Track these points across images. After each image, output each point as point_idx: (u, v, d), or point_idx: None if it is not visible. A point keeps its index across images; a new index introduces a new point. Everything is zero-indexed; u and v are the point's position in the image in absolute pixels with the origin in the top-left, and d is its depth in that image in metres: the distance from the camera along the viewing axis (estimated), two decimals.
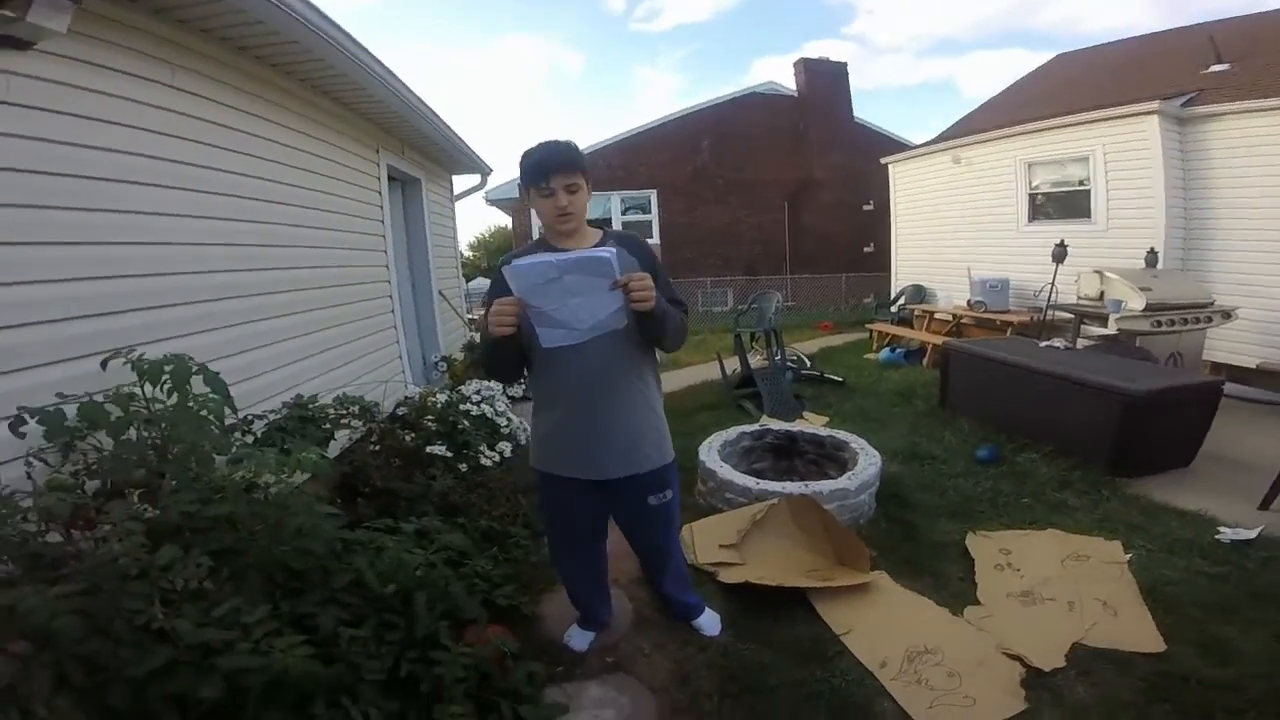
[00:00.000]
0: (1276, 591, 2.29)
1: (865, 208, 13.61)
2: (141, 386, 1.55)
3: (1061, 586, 2.43)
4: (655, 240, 12.77)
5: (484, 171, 6.89)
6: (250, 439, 2.22)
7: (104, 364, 1.61)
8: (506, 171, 16.04)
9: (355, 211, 4.13)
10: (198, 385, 1.72)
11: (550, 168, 1.64)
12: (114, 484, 1.57)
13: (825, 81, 13.65)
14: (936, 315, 8.06)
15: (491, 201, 13.35)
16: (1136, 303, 4.84)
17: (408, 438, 3.13)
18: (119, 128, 2.19)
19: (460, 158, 6.15)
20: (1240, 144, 5.66)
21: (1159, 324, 4.80)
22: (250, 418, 2.30)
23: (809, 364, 6.69)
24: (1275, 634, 2.05)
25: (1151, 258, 5.60)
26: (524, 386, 5.90)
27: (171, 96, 2.46)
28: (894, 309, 9.26)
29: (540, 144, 1.69)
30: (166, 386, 1.58)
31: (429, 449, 3.11)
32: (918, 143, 10.32)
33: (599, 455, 1.82)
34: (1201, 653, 2.00)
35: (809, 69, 13.59)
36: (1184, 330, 4.92)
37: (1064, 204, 7.19)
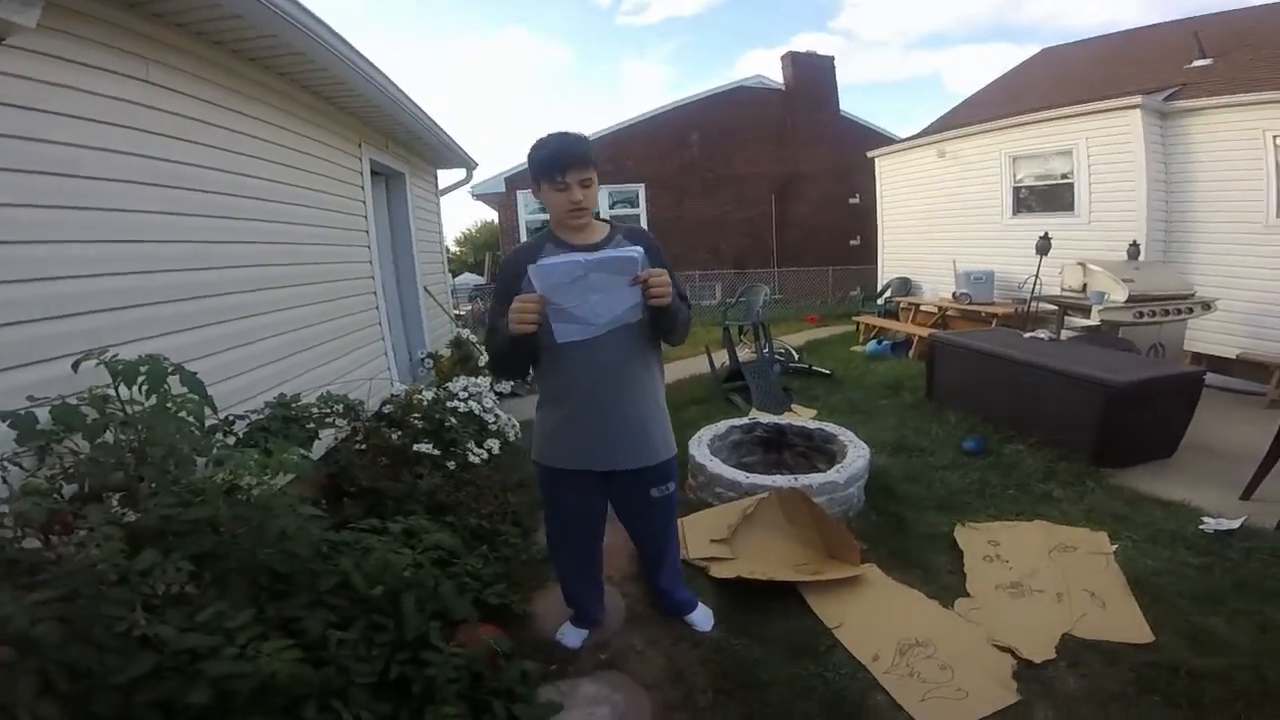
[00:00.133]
0: (1260, 581, 2.32)
1: (852, 201, 13.67)
2: (116, 388, 1.51)
3: (1049, 578, 2.45)
4: None
5: (469, 166, 6.82)
6: (231, 440, 2.17)
7: (75, 365, 1.57)
8: (492, 166, 15.94)
9: (337, 207, 4.06)
10: (177, 386, 1.68)
11: (566, 162, 1.64)
12: (91, 488, 1.53)
13: (812, 75, 13.67)
14: (922, 307, 8.11)
15: (478, 196, 13.25)
16: (1119, 294, 4.89)
17: (394, 436, 3.09)
18: (92, 124, 2.13)
19: (445, 152, 6.08)
20: (1220, 138, 5.73)
21: (1141, 315, 4.86)
22: (231, 418, 2.25)
23: (797, 357, 6.71)
24: (1260, 625, 2.07)
25: (1134, 250, 5.66)
26: (513, 383, 5.87)
27: (147, 92, 2.40)
28: (880, 301, 9.30)
29: (553, 136, 1.68)
30: (144, 388, 1.53)
31: (416, 447, 3.07)
32: (904, 136, 10.35)
33: (610, 448, 1.83)
34: (1189, 643, 2.02)
35: (796, 62, 13.59)
36: (1165, 321, 4.98)
37: (1048, 197, 7.25)
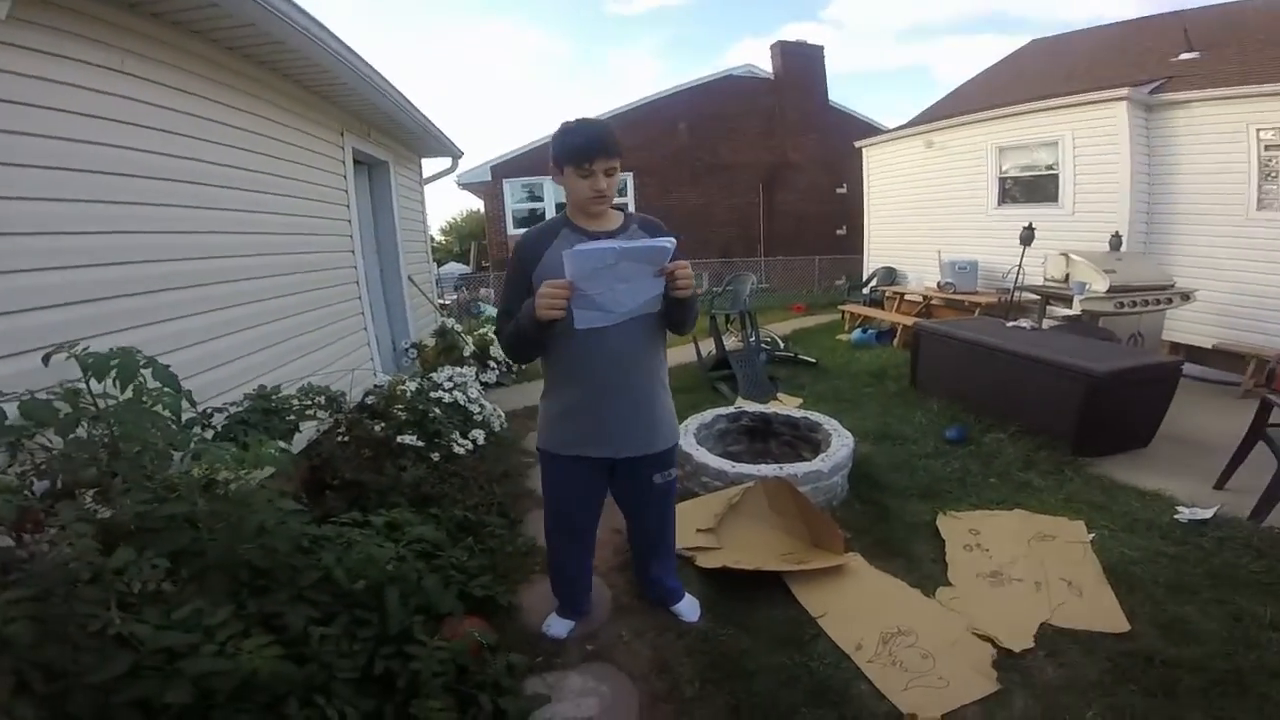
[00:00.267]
0: (1233, 571, 2.37)
1: (839, 191, 13.69)
2: (87, 382, 1.48)
3: (1028, 566, 2.48)
4: None
5: (455, 154, 6.73)
6: (210, 433, 2.14)
7: (46, 359, 1.53)
8: (479, 155, 15.77)
9: (319, 196, 4.00)
10: (152, 381, 1.64)
11: (595, 150, 1.65)
12: (64, 484, 1.50)
13: (802, 64, 13.61)
14: (907, 296, 8.16)
15: (463, 185, 13.10)
16: (1100, 284, 4.94)
17: (377, 428, 3.06)
18: (65, 115, 2.09)
19: (430, 140, 5.99)
20: (1203, 131, 5.79)
21: (1121, 305, 4.92)
22: (210, 411, 2.22)
23: (783, 345, 6.74)
24: (1233, 614, 2.11)
25: (1115, 241, 5.73)
26: (498, 372, 5.85)
27: (122, 83, 2.35)
28: (866, 291, 9.35)
29: (583, 123, 1.69)
30: (117, 382, 1.50)
31: (399, 439, 3.04)
32: (891, 127, 10.36)
33: (620, 435, 1.85)
34: (1163, 632, 2.06)
35: (786, 52, 13.53)
36: (1145, 311, 5.05)
37: (1032, 188, 7.30)
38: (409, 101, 4.78)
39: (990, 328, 4.79)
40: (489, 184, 12.90)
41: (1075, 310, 5.02)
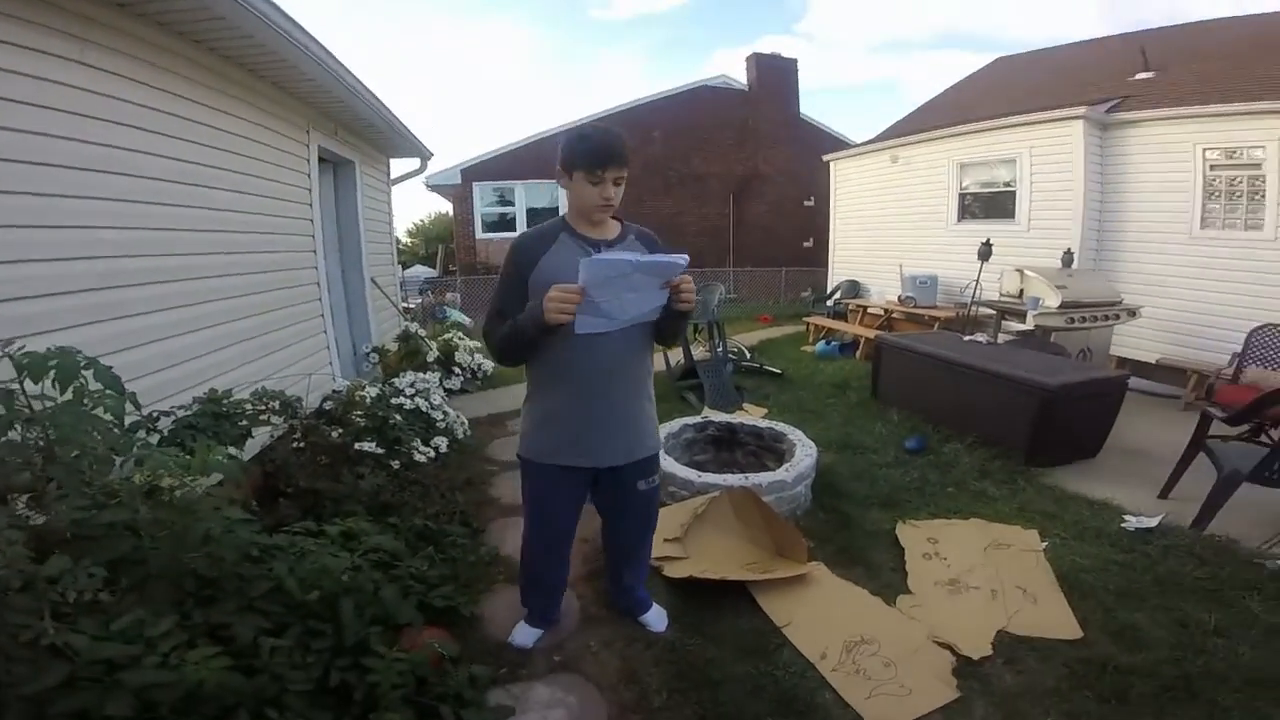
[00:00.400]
0: (1178, 578, 2.46)
1: (806, 203, 13.93)
2: (21, 383, 1.39)
3: (984, 574, 2.54)
4: None
5: (424, 155, 6.63)
6: (155, 438, 2.04)
7: None
8: (449, 157, 15.59)
9: (280, 194, 3.88)
10: (95, 382, 1.56)
11: (610, 159, 1.65)
12: None
13: (775, 77, 13.84)
14: (869, 309, 8.32)
15: (432, 187, 12.92)
16: (1053, 300, 5.12)
17: (334, 434, 2.97)
18: (18, 105, 2.00)
19: (398, 140, 5.89)
20: (1152, 150, 6.04)
21: (1072, 321, 5.10)
22: (156, 414, 2.12)
23: (749, 356, 6.80)
24: (1180, 620, 2.19)
25: (1067, 258, 5.95)
26: (462, 378, 5.76)
27: (80, 74, 2.26)
28: (830, 303, 9.51)
29: (599, 130, 1.68)
30: (55, 383, 1.42)
31: (358, 446, 2.96)
32: (859, 141, 10.59)
33: (607, 443, 1.84)
34: (1115, 639, 2.12)
35: (760, 64, 13.74)
36: (1094, 327, 5.25)
37: (990, 204, 7.54)
38: (378, 99, 4.69)
39: (948, 341, 4.91)
40: (458, 187, 12.77)
41: (1029, 325, 5.20)
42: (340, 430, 3.04)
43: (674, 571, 2.46)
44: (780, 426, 3.70)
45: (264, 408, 2.56)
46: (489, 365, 6.05)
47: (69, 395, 1.45)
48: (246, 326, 3.37)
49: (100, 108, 2.37)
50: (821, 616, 2.26)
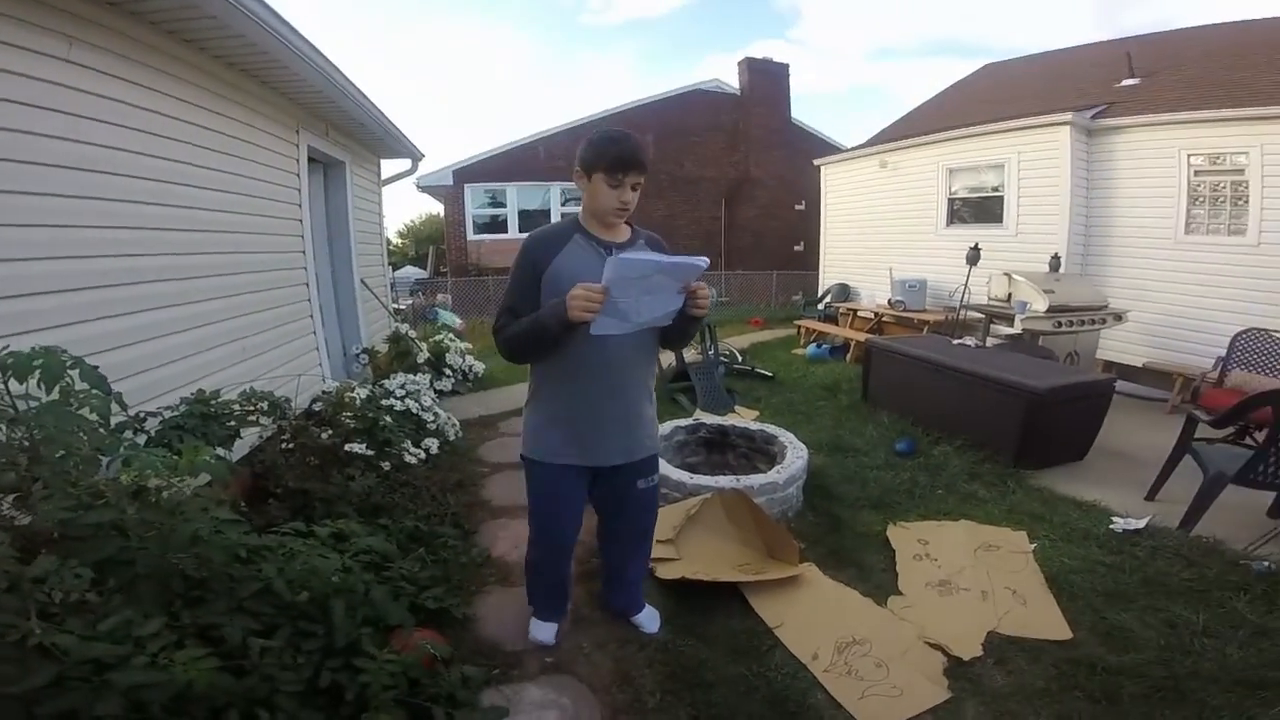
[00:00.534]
0: (1166, 580, 2.48)
1: (797, 207, 14.01)
2: (6, 383, 1.37)
3: (975, 576, 2.55)
4: None
5: (415, 156, 6.62)
6: (142, 439, 2.02)
7: None
8: (440, 158, 15.56)
9: (269, 194, 3.85)
10: (80, 382, 1.54)
11: (631, 164, 1.67)
12: None
13: (767, 82, 13.93)
14: (860, 313, 8.38)
15: (423, 188, 12.88)
16: (1040, 304, 5.17)
17: (324, 435, 2.94)
18: (6, 104, 1.98)
19: (389, 141, 5.87)
20: (1138, 156, 6.11)
21: (1060, 324, 5.16)
22: (143, 415, 2.10)
23: (740, 359, 6.82)
24: (1168, 621, 2.21)
25: (1055, 262, 6.01)
26: (453, 380, 5.73)
27: (66, 71, 2.24)
28: (821, 306, 9.56)
29: (623, 134, 1.71)
30: (40, 383, 1.40)
31: (348, 447, 2.94)
32: (850, 146, 10.66)
33: (611, 442, 1.86)
34: (1104, 640, 2.13)
35: (753, 69, 13.82)
36: (1081, 330, 5.31)
37: (979, 209, 7.61)
38: (368, 99, 4.67)
39: (937, 345, 4.94)
40: (450, 188, 12.73)
41: (1017, 329, 5.24)
42: (330, 431, 3.02)
43: (666, 573, 2.46)
44: (771, 429, 3.71)
45: (252, 409, 2.53)
46: (480, 367, 6.03)
47: (54, 395, 1.44)
48: (235, 327, 3.34)
49: (89, 106, 2.35)
50: (813, 618, 2.27)
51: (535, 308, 1.68)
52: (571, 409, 1.82)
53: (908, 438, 4.14)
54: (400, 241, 23.39)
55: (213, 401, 2.41)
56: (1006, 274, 5.61)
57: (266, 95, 3.81)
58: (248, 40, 2.97)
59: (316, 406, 3.30)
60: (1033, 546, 2.77)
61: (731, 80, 14.13)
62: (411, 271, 15.54)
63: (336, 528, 1.89)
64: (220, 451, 2.15)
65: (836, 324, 8.55)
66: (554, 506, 1.96)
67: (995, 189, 7.28)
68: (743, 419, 4.43)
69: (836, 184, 9.90)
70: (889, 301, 7.82)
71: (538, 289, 1.71)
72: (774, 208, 14.17)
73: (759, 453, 3.67)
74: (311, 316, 4.42)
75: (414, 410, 3.77)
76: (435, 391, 4.99)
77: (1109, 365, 6.06)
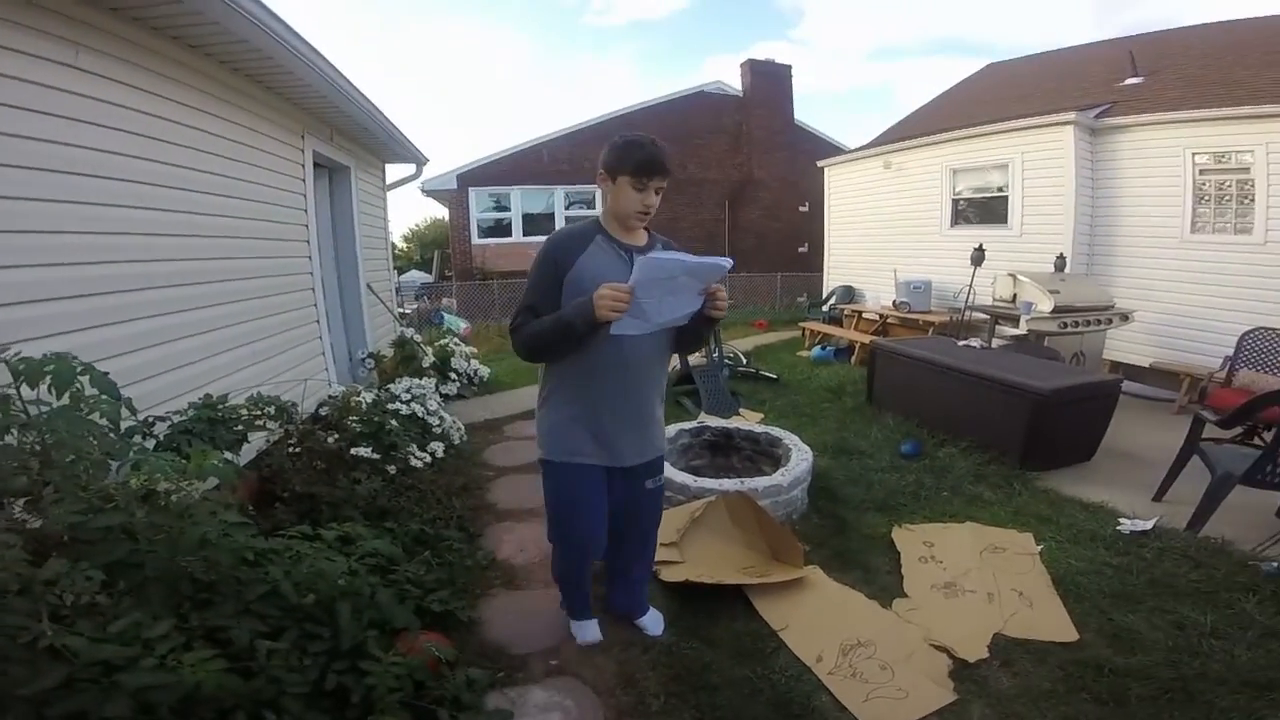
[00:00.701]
0: (1173, 581, 2.46)
1: (801, 209, 14.00)
2: (18, 388, 1.39)
3: (981, 578, 2.54)
4: None
5: (419, 161, 6.65)
6: (151, 443, 2.04)
7: None
8: (445, 162, 15.62)
9: (275, 200, 3.88)
10: (91, 387, 1.56)
11: (657, 169, 1.72)
12: None
13: (770, 83, 13.92)
14: (864, 315, 8.36)
15: (428, 192, 12.94)
16: (1046, 305, 5.16)
17: (330, 439, 2.96)
18: (12, 110, 2.00)
19: (394, 146, 5.90)
20: (1144, 154, 6.09)
21: (1065, 325, 5.14)
22: (152, 420, 2.11)
23: (745, 361, 6.81)
24: (1175, 623, 2.20)
25: (1060, 262, 5.99)
26: (459, 384, 5.75)
27: (73, 77, 2.26)
28: (825, 308, 9.55)
29: (650, 139, 1.74)
30: (51, 388, 1.42)
31: (353, 451, 2.95)
32: (853, 147, 10.65)
33: (631, 441, 1.89)
34: (1111, 641, 2.12)
35: (755, 70, 13.83)
36: (1087, 331, 5.29)
37: (984, 210, 7.59)
38: (373, 104, 4.71)
39: (942, 346, 4.94)
40: (455, 192, 12.78)
41: (1022, 330, 5.23)
42: (336, 435, 3.04)
43: (670, 575, 2.47)
44: (776, 431, 3.71)
45: (259, 413, 2.55)
46: (485, 371, 6.05)
47: (65, 400, 1.46)
48: (242, 332, 3.36)
49: (95, 112, 2.37)
50: (818, 620, 2.26)
51: (555, 307, 1.70)
52: (595, 409, 1.83)
53: (913, 440, 4.13)
54: (405, 245, 23.50)
55: (220, 406, 2.43)
56: (1011, 275, 5.60)
57: (272, 101, 3.84)
58: (252, 46, 2.99)
59: (323, 411, 3.32)
60: (1039, 548, 2.76)
61: (734, 82, 14.15)
62: (417, 275, 15.65)
63: (343, 531, 1.91)
64: (228, 455, 2.17)
65: (841, 326, 8.53)
66: (577, 509, 1.95)
67: (999, 189, 7.27)
68: (747, 422, 4.42)
69: (840, 185, 9.90)
70: (894, 303, 7.80)
71: (559, 289, 1.72)
72: (777, 209, 14.16)
73: (763, 455, 3.67)
74: (318, 321, 4.45)
75: (419, 414, 3.78)
76: (441, 395, 5.02)
77: (1115, 366, 6.04)
